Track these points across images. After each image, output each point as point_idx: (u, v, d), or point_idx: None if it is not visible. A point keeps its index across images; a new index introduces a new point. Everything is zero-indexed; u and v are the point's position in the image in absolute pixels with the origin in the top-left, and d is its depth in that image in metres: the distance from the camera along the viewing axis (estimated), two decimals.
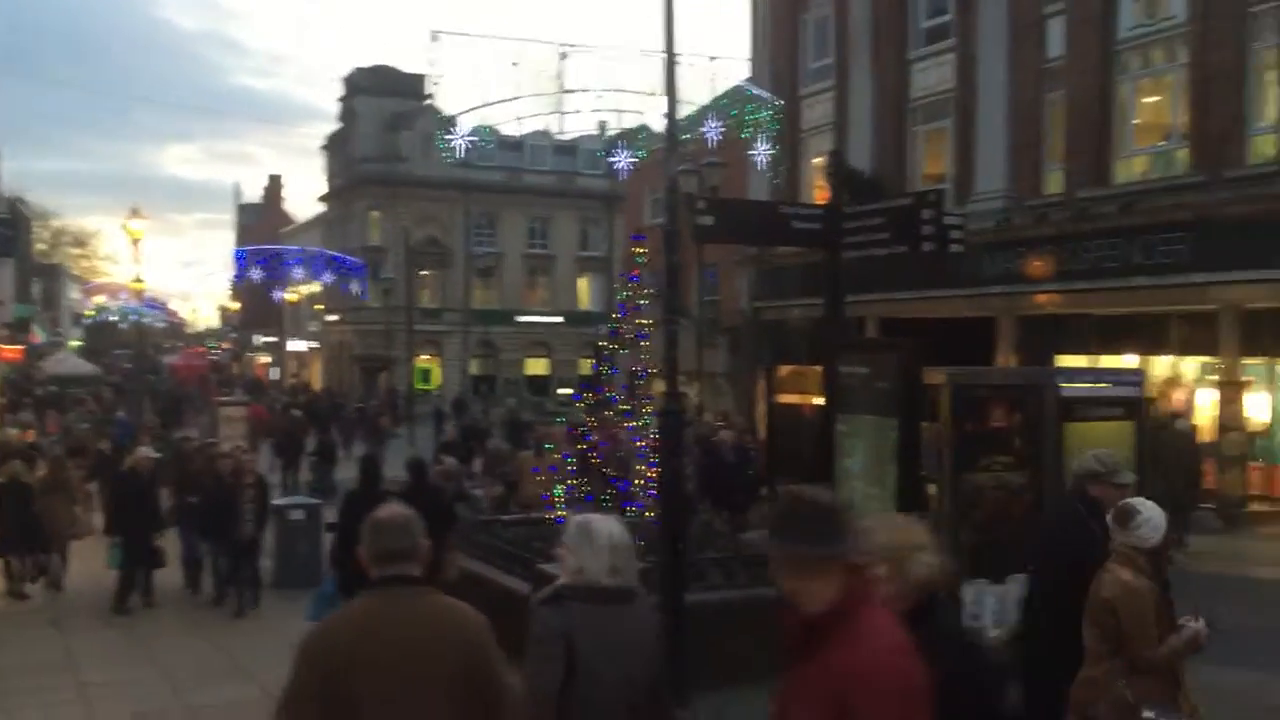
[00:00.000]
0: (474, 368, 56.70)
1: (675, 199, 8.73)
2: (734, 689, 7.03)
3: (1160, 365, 18.17)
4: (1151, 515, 4.84)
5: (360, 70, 57.98)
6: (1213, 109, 17.12)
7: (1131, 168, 19.16)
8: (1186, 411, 16.71)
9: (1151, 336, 18.25)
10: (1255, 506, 16.55)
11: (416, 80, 47.38)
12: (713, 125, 15.20)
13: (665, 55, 8.47)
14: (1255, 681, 8.14)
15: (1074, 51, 19.36)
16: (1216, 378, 17.26)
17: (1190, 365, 18.28)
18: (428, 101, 39.18)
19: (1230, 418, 16.32)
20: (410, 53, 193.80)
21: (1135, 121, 19.30)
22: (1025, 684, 5.47)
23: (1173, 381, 17.74)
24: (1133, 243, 17.77)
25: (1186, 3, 17.64)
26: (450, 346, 55.86)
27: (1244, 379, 16.89)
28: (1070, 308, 19.31)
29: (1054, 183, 19.98)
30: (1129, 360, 17.85)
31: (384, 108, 55.78)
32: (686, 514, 8.91)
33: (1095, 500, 5.35)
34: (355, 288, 40.36)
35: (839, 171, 10.89)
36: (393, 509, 3.57)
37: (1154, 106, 19.30)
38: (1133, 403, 8.99)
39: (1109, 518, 4.98)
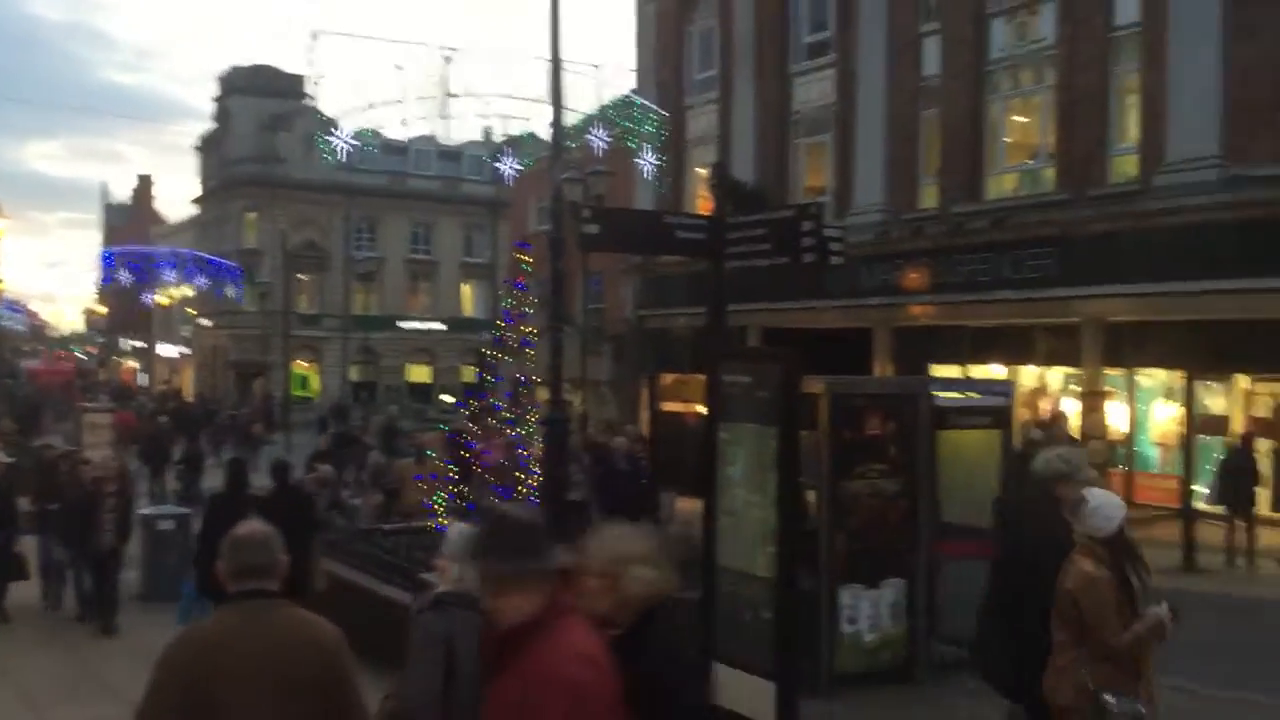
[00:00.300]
0: (354, 374, 55.54)
1: (561, 207, 8.75)
2: None
3: (1027, 375, 18.84)
4: (1100, 504, 4.82)
5: (236, 69, 56.43)
6: (1077, 130, 17.85)
7: (1002, 184, 19.84)
8: (1055, 420, 17.37)
9: (1019, 348, 18.92)
10: None
11: (296, 80, 46.28)
12: (598, 134, 15.25)
13: (551, 63, 8.48)
14: None
15: (948, 71, 19.98)
16: (1079, 388, 17.96)
17: (1055, 375, 19.00)
18: (308, 102, 38.41)
19: (1092, 426, 16.96)
20: (289, 51, 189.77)
21: (1006, 140, 20.00)
22: (1014, 681, 5.49)
23: (1039, 391, 18.43)
24: (1003, 257, 18.41)
25: (1054, 26, 18.37)
26: (329, 353, 54.70)
27: (1105, 389, 17.60)
28: (944, 319, 19.89)
29: (929, 197, 20.55)
30: (998, 370, 18.49)
31: (262, 108, 54.38)
32: (578, 521, 8.89)
33: (1061, 500, 5.30)
34: (230, 291, 39.43)
35: (723, 182, 11.03)
36: (253, 525, 3.62)
37: (1023, 126, 20.04)
38: (1001, 412, 9.32)
39: (1066, 510, 5.01)
